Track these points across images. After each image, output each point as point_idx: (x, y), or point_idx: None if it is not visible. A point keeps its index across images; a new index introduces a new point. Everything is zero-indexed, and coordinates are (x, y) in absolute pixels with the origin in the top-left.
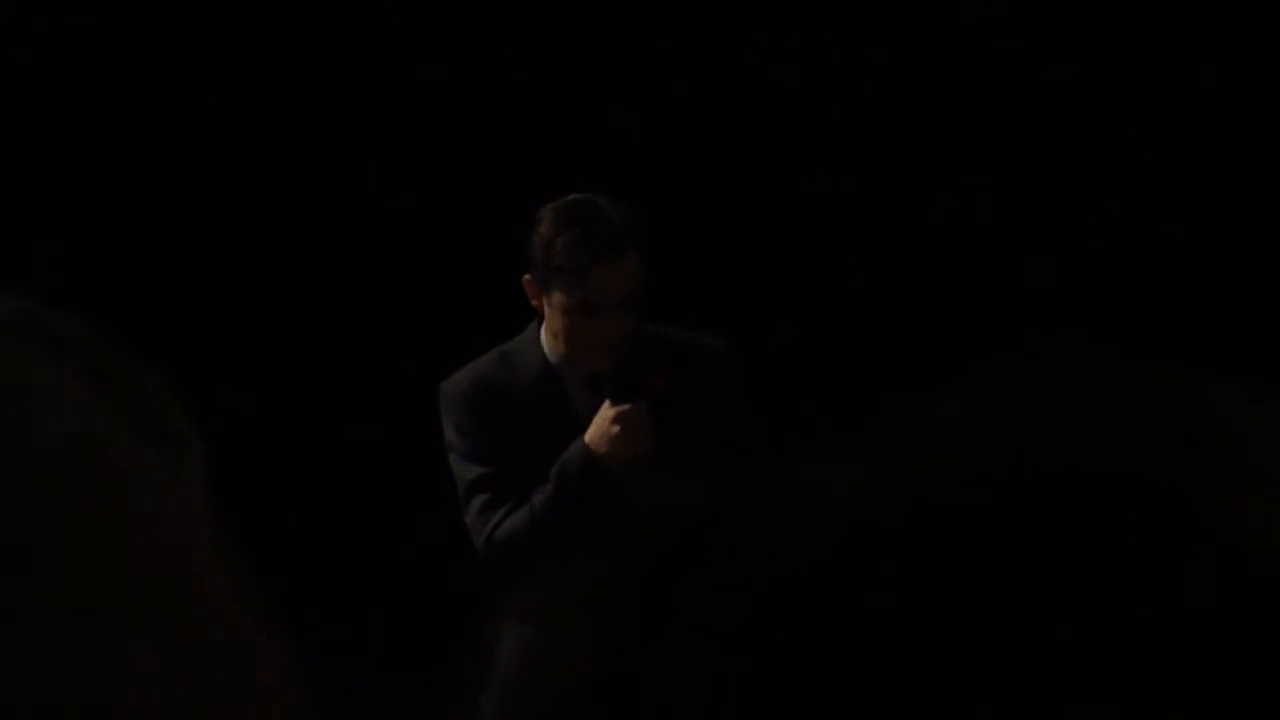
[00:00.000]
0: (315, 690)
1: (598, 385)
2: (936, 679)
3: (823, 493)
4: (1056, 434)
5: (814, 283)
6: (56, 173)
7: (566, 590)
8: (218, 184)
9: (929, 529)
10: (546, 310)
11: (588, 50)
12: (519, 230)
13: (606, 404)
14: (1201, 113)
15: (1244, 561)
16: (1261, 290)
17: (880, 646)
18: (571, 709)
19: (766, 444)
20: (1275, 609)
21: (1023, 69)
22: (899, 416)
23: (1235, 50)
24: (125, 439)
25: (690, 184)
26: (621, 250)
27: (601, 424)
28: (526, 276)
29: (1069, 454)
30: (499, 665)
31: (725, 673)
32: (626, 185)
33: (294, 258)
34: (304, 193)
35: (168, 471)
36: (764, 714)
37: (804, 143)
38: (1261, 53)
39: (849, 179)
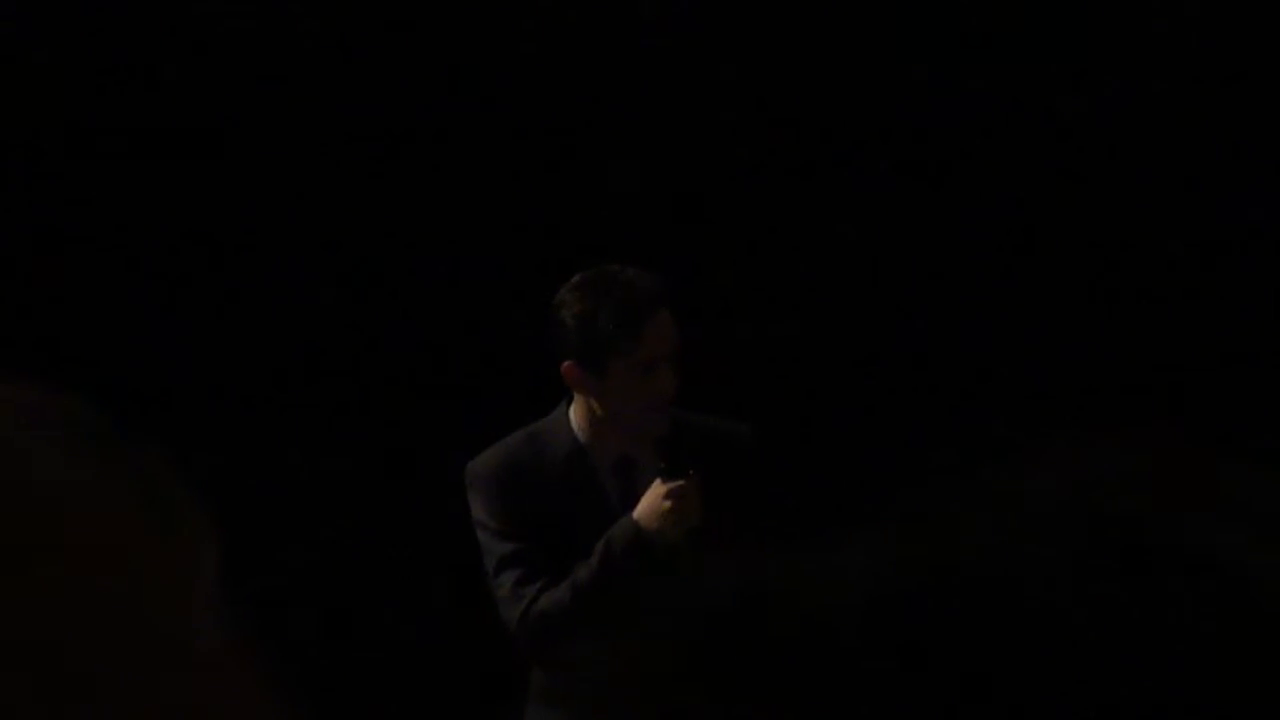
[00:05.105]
0: None
1: (627, 468)
2: None
3: (854, 576)
4: (1081, 518)
5: (844, 363)
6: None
7: (604, 668)
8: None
9: (956, 610)
10: (599, 390)
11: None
12: (526, 304)
13: (658, 481)
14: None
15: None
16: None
17: None
18: None
19: (798, 528)
20: None
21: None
22: (928, 499)
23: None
24: (125, 510)
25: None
26: (661, 302)
27: (653, 500)
28: (566, 364)
29: (1095, 537)
30: None
31: None
32: (651, 252)
33: (310, 334)
34: (319, 269)
35: (171, 546)
36: None
37: (846, 204)
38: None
39: (884, 252)
